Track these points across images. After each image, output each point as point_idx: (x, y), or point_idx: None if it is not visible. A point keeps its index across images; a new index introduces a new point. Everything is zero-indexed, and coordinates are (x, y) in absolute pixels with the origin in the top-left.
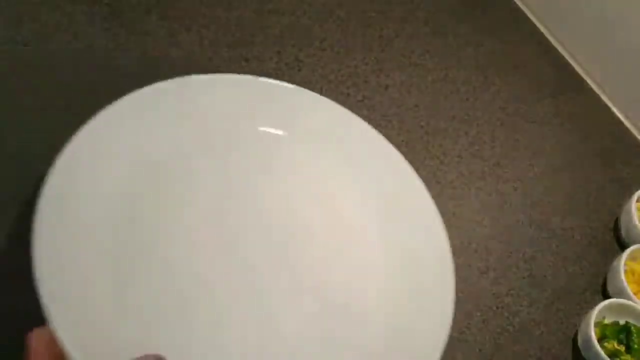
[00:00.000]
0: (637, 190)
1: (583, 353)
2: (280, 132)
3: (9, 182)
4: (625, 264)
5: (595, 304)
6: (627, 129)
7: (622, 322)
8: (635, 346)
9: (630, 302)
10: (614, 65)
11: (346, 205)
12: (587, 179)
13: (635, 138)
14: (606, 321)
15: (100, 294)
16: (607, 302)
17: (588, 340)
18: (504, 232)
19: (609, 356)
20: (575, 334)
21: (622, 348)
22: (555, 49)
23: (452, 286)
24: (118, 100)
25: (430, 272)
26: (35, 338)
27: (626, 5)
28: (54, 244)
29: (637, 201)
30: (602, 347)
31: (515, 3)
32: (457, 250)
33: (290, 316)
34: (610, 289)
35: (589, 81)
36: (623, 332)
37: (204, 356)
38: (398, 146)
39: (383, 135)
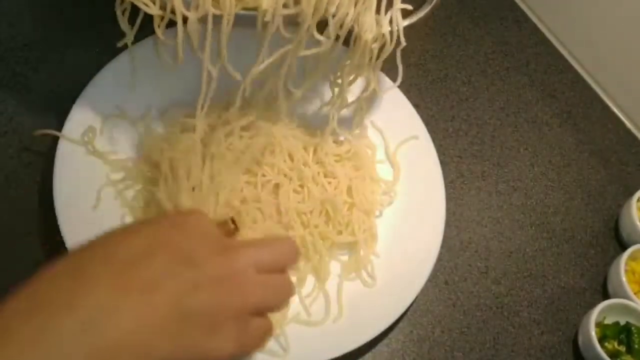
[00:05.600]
0: (637, 190)
1: (583, 353)
2: None
3: None
4: (625, 264)
5: (596, 304)
6: (627, 128)
7: (622, 322)
8: (636, 346)
9: (631, 302)
10: (615, 65)
11: None
12: (587, 179)
13: (635, 138)
14: (607, 321)
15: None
16: (607, 302)
17: (588, 340)
18: (504, 232)
19: (610, 356)
20: (576, 334)
21: (623, 348)
22: (556, 49)
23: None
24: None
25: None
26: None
27: (627, 6)
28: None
29: (638, 201)
30: (603, 347)
31: (515, 3)
32: (457, 250)
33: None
34: (610, 289)
35: (589, 81)
36: (624, 333)
37: None
38: None
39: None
